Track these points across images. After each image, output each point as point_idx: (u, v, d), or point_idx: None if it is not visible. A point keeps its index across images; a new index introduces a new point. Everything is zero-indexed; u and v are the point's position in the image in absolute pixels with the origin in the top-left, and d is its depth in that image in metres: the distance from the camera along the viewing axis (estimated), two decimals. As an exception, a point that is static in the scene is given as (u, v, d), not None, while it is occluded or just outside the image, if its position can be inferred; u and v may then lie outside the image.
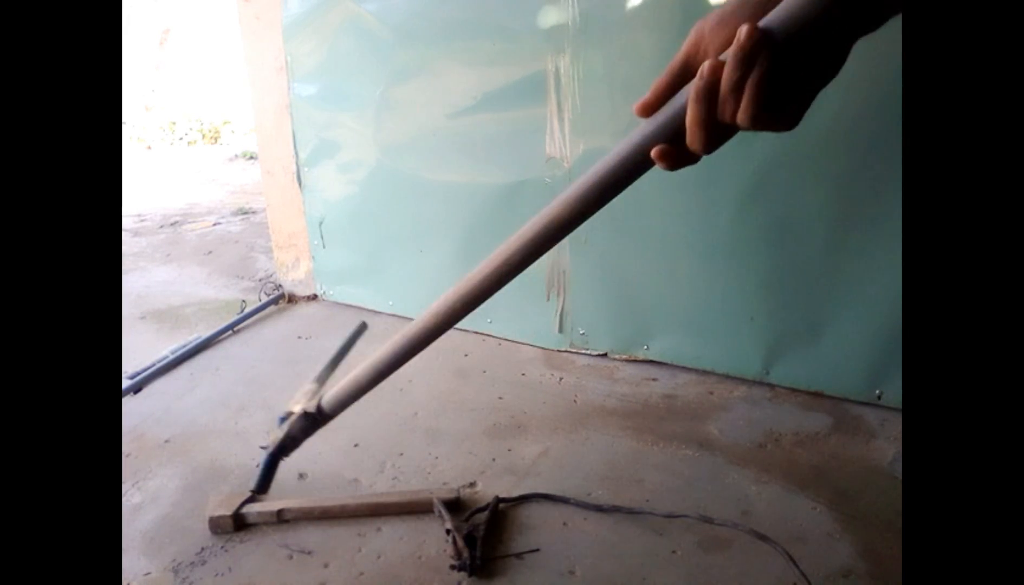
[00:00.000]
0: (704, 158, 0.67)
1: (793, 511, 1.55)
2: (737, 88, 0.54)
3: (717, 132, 0.58)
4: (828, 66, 0.57)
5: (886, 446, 1.78)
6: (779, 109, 0.56)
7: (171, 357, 2.42)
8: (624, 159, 0.70)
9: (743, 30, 0.52)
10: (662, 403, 2.05)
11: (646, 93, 0.63)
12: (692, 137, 0.60)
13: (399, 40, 2.37)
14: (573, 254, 2.28)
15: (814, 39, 0.54)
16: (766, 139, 1.87)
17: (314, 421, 1.33)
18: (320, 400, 1.31)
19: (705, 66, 0.56)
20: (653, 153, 0.66)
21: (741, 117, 0.55)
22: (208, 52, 10.41)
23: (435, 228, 2.54)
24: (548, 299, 2.38)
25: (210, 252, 3.97)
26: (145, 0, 10.07)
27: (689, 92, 0.58)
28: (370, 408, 2.07)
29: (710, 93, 0.56)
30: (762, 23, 0.54)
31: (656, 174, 2.37)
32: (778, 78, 0.53)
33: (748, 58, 0.53)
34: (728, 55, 0.55)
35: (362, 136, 2.57)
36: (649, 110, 0.65)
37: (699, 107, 0.57)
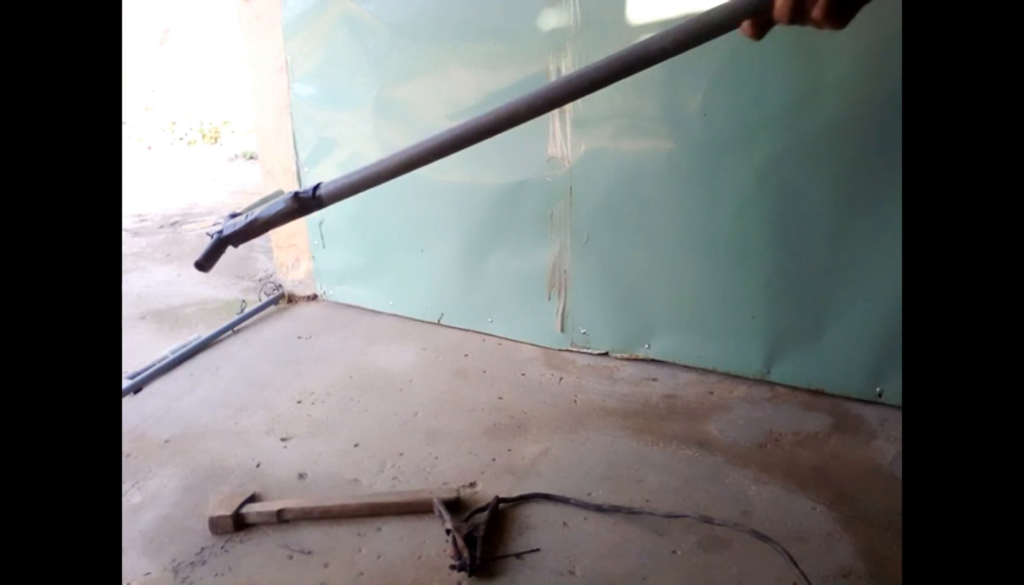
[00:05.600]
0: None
1: (793, 511, 1.55)
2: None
3: (799, 15, 0.79)
4: None
5: (886, 446, 1.78)
6: (839, 13, 0.77)
7: (171, 357, 2.42)
8: (724, 10, 0.84)
9: None
10: (662, 403, 2.04)
11: None
12: (779, 12, 0.81)
13: (399, 40, 2.37)
14: (574, 253, 2.28)
15: None
16: (767, 138, 1.87)
17: (304, 206, 1.22)
18: (319, 187, 1.23)
19: None
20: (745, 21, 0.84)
21: (817, 12, 0.77)
22: (208, 52, 10.40)
23: (436, 228, 2.54)
24: (549, 298, 2.38)
25: (210, 252, 3.96)
26: (145, 0, 10.07)
27: None
28: (370, 408, 2.07)
29: None
30: None
31: (656, 173, 2.37)
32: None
33: None
34: None
35: (362, 136, 2.57)
36: None
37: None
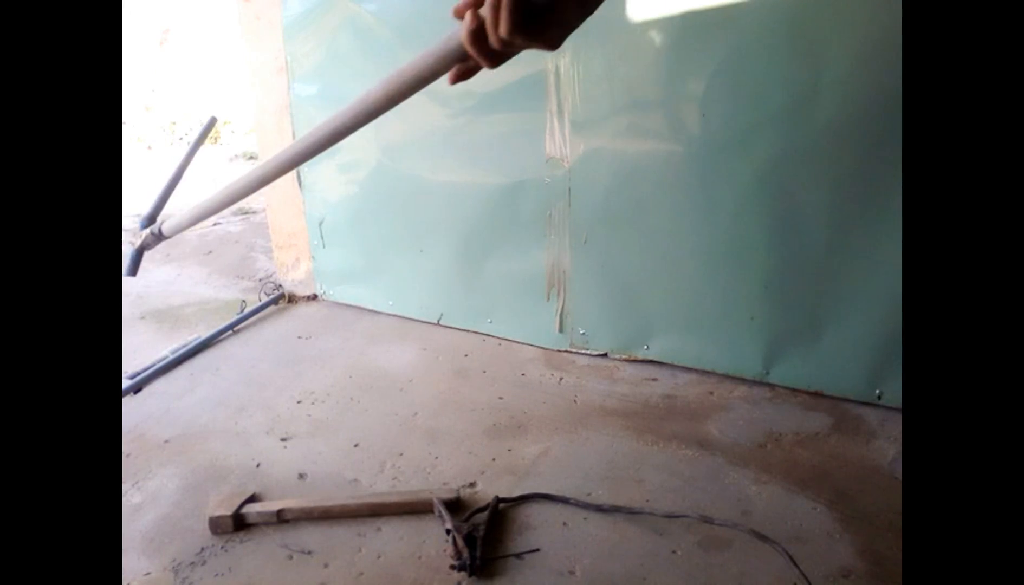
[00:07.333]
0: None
1: (793, 511, 1.55)
2: (494, 9, 0.71)
3: (489, 46, 0.74)
4: (580, 5, 0.76)
5: (886, 446, 1.78)
6: (532, 32, 0.72)
7: (171, 357, 2.42)
8: (436, 57, 0.84)
9: None
10: (662, 403, 2.05)
11: None
12: (466, 41, 0.76)
13: (399, 40, 2.37)
14: (573, 254, 2.28)
15: None
16: (766, 139, 1.87)
17: (157, 238, 1.71)
18: (162, 224, 1.65)
19: (459, 8, 0.75)
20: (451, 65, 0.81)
21: (499, 31, 0.71)
22: (208, 52, 10.40)
23: (435, 228, 2.54)
24: (548, 299, 2.38)
25: (210, 252, 3.97)
26: (145, 0, 10.07)
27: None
28: (370, 408, 2.07)
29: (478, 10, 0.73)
30: None
31: (655, 173, 2.36)
32: (520, 8, 0.70)
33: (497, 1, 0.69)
34: None
35: (362, 136, 2.55)
36: (460, 14, 0.77)
37: (473, 18, 0.74)
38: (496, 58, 0.77)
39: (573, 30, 0.77)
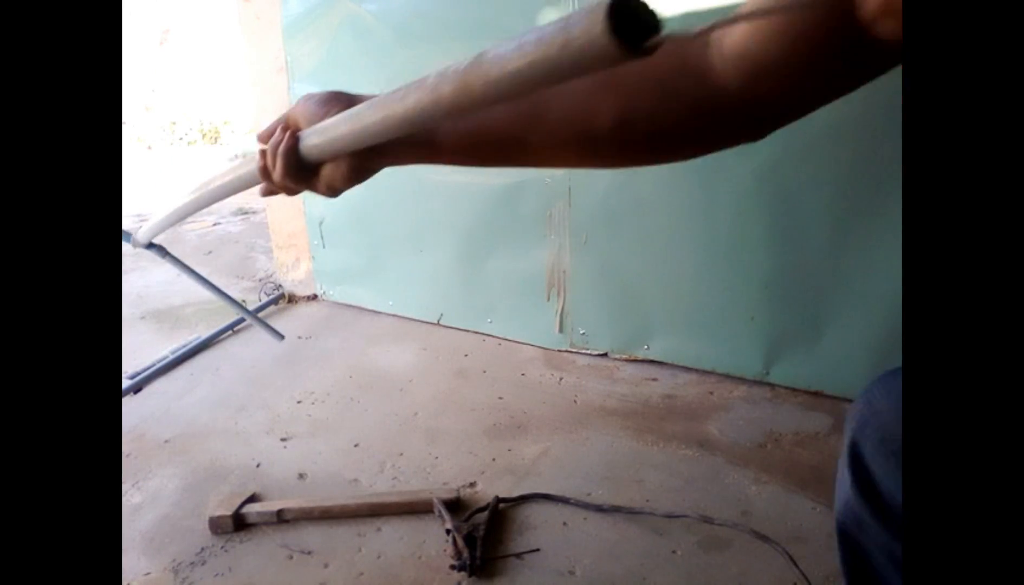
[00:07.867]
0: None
1: (793, 511, 1.55)
2: (272, 155, 0.76)
3: (268, 179, 0.80)
4: (353, 175, 0.78)
5: (886, 446, 1.78)
6: (304, 183, 0.77)
7: (171, 357, 2.42)
8: (245, 173, 0.87)
9: (287, 134, 0.75)
10: (662, 403, 2.05)
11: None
12: (262, 179, 0.81)
13: (399, 40, 2.37)
14: (573, 254, 2.28)
15: (333, 157, 0.74)
16: (766, 140, 1.87)
17: (134, 247, 1.78)
18: (136, 235, 1.72)
19: (263, 134, 0.79)
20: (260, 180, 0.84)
21: (275, 175, 0.77)
22: (208, 52, 10.40)
23: (435, 228, 2.54)
24: (548, 299, 2.38)
25: (210, 252, 3.97)
26: (145, 0, 10.07)
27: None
28: (370, 408, 2.07)
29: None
30: (301, 133, 0.74)
31: (655, 173, 2.36)
32: (291, 161, 0.75)
33: (276, 147, 0.75)
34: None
35: (362, 136, 2.57)
36: (262, 141, 0.82)
37: (261, 156, 0.79)
38: (289, 191, 0.82)
39: (341, 192, 0.82)
